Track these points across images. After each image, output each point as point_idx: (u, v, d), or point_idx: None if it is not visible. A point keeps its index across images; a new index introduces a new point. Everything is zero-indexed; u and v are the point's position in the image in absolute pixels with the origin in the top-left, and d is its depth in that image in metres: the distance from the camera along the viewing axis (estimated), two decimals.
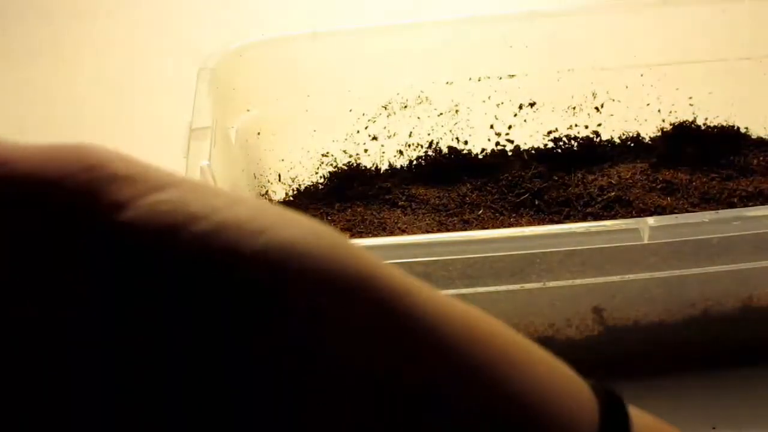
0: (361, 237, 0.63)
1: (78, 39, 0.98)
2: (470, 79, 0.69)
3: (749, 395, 0.56)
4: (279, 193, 0.69)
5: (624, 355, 0.57)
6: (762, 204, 0.63)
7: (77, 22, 1.01)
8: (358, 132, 0.69)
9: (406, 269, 0.47)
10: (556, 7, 0.68)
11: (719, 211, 0.49)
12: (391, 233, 0.64)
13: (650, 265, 0.51)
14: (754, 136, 0.69)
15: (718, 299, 0.55)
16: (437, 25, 0.68)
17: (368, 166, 0.70)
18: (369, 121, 0.69)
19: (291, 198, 0.69)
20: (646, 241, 0.49)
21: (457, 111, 0.70)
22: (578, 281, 0.52)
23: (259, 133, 0.67)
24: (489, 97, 0.69)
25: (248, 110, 0.66)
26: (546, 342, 0.55)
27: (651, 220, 0.49)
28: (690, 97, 0.69)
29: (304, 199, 0.69)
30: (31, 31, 1.00)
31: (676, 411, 0.54)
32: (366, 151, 0.70)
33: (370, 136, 0.69)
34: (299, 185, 0.70)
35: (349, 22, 0.68)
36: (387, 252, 0.49)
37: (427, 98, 0.69)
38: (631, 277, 0.52)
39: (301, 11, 0.92)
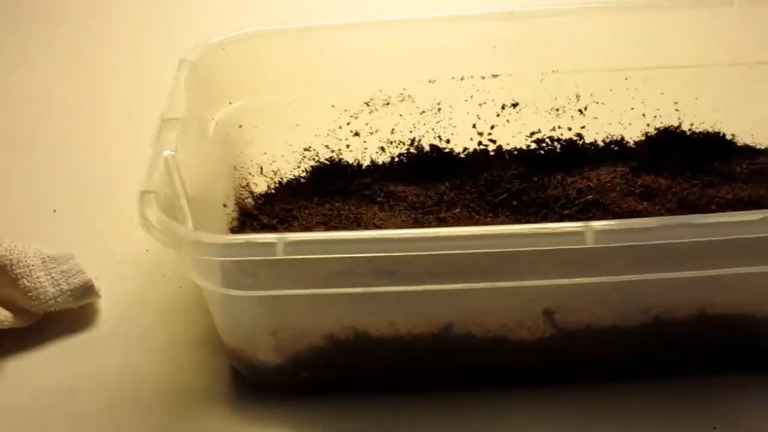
0: (335, 230, 0.63)
1: (65, 37, 1.00)
2: (453, 77, 0.69)
3: (750, 396, 0.56)
4: (261, 185, 0.70)
5: (577, 359, 0.57)
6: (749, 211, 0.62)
7: (68, 20, 1.03)
8: (340, 128, 0.70)
9: (374, 264, 0.48)
10: (540, 8, 0.67)
11: (665, 217, 0.49)
12: (366, 228, 0.64)
13: (598, 269, 0.51)
14: (740, 143, 0.68)
15: (672, 306, 0.54)
16: (421, 23, 0.68)
17: (350, 162, 0.71)
18: (351, 117, 0.70)
19: (273, 191, 0.70)
20: (590, 245, 0.48)
21: (439, 109, 0.70)
22: (526, 283, 0.52)
23: (240, 126, 0.68)
24: (471, 97, 0.69)
25: (230, 103, 0.68)
26: (498, 343, 0.55)
27: (596, 224, 0.48)
28: (675, 102, 0.68)
29: (285, 192, 0.70)
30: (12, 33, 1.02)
31: (677, 410, 0.54)
32: (348, 146, 0.70)
33: (352, 132, 0.70)
34: (281, 178, 0.71)
35: (333, 18, 0.68)
36: (355, 246, 0.50)
37: (409, 96, 0.69)
38: (581, 280, 0.52)
39: (287, 6, 0.93)
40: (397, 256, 0.50)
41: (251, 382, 0.59)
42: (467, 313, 0.55)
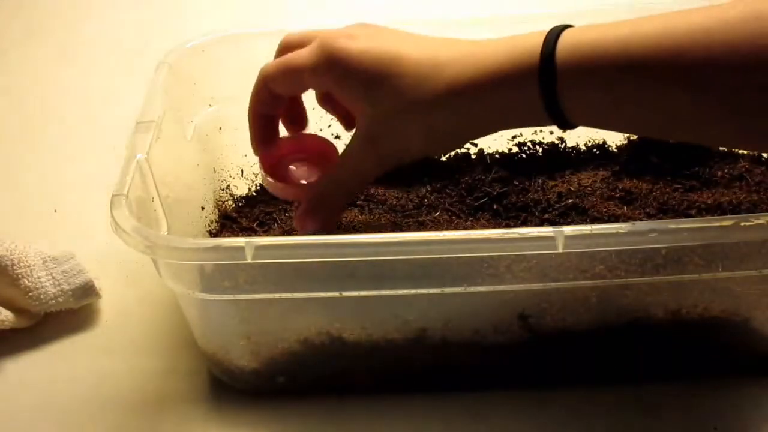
0: (313, 234, 0.63)
1: (63, 37, 1.00)
2: None
3: (750, 396, 0.56)
4: (241, 187, 0.70)
5: (553, 363, 0.57)
6: (720, 216, 0.62)
7: (66, 20, 1.03)
8: (321, 130, 0.69)
9: (345, 268, 0.48)
10: (521, 13, 0.67)
11: (637, 222, 0.48)
12: (345, 232, 0.64)
13: (573, 274, 0.51)
14: (722, 148, 0.68)
15: (648, 311, 0.54)
16: (402, 26, 0.67)
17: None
18: (332, 119, 0.69)
19: (254, 193, 0.70)
20: (560, 250, 0.48)
21: None
22: (500, 288, 0.52)
23: (220, 128, 0.68)
24: None
25: (210, 105, 0.67)
26: (473, 347, 0.55)
27: (567, 230, 0.48)
28: None
29: (266, 195, 0.69)
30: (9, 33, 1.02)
31: (679, 411, 0.54)
32: None
33: (333, 134, 0.70)
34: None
35: (313, 21, 0.68)
36: (326, 250, 0.49)
37: None
38: (555, 285, 0.51)
39: (266, 8, 0.93)
40: (369, 260, 0.50)
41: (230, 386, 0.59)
42: (441, 318, 0.55)
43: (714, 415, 0.55)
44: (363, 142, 0.54)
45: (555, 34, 0.49)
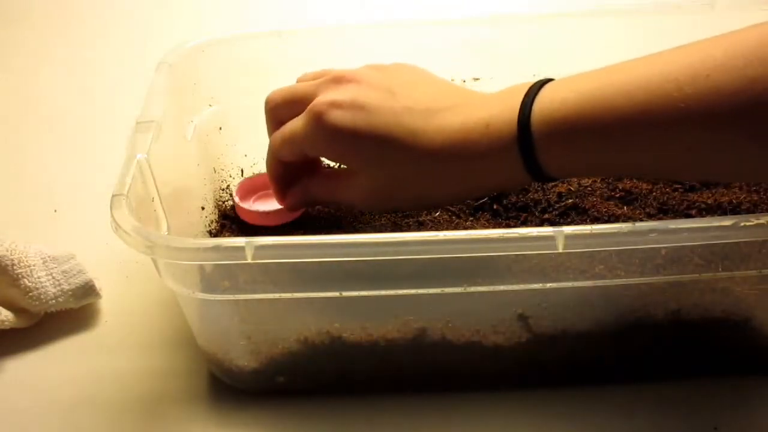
0: (314, 234, 0.63)
1: (63, 38, 1.00)
2: None
3: (751, 396, 0.56)
4: None
5: (553, 363, 0.57)
6: (720, 216, 0.62)
7: (64, 22, 1.03)
8: None
9: (346, 268, 0.48)
10: (521, 13, 0.67)
11: (637, 222, 0.48)
12: (345, 232, 0.64)
13: (573, 274, 0.51)
14: None
15: (648, 311, 0.54)
16: (402, 26, 0.68)
17: (331, 165, 0.70)
18: None
19: None
20: (560, 250, 0.48)
21: None
22: (500, 288, 0.52)
23: (221, 128, 0.68)
24: None
25: (210, 105, 0.68)
26: (473, 348, 0.55)
27: (567, 230, 0.48)
28: None
29: None
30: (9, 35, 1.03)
31: (679, 411, 0.54)
32: None
33: None
34: None
35: (312, 21, 0.68)
36: (325, 250, 0.49)
37: None
38: (555, 285, 0.51)
39: (267, 9, 0.93)
40: (369, 260, 0.50)
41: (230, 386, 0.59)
42: (441, 318, 0.55)
43: (714, 415, 0.55)
44: (360, 197, 0.57)
45: (530, 99, 0.50)
